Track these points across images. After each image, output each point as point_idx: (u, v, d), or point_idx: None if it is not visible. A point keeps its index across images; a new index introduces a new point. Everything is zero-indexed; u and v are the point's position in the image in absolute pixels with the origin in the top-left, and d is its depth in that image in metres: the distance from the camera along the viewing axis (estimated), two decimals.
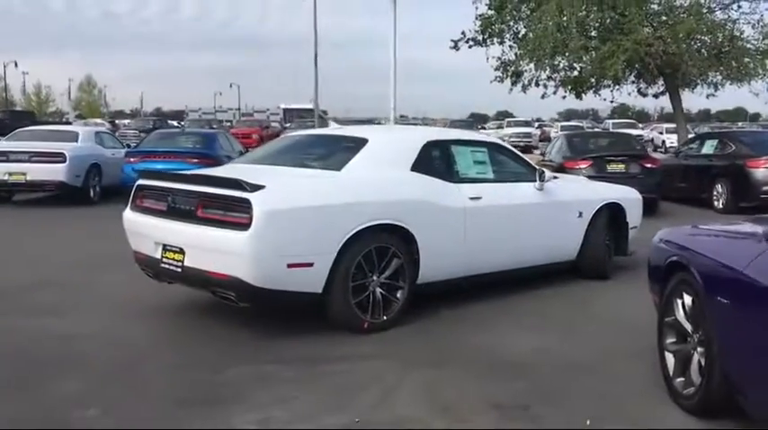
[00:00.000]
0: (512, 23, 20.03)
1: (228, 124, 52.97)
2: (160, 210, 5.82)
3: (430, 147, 6.34)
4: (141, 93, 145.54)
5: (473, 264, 6.39)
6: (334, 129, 8.78)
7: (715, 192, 13.94)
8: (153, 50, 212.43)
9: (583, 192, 7.50)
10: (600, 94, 19.61)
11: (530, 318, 6.16)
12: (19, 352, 5.19)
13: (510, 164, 7.00)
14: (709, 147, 14.81)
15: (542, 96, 19.95)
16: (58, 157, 13.77)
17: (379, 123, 44.15)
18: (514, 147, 30.25)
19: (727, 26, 17.90)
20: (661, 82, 19.40)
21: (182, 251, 5.50)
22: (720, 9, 18.95)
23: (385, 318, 5.69)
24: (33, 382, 4.57)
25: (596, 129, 37.58)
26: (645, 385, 4.54)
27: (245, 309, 5.75)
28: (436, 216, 6.00)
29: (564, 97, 19.62)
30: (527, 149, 33.85)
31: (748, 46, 18.16)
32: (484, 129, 44.85)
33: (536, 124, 47.82)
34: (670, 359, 4.32)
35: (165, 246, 5.68)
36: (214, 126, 39.49)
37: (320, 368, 4.88)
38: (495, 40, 20.34)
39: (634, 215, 7.92)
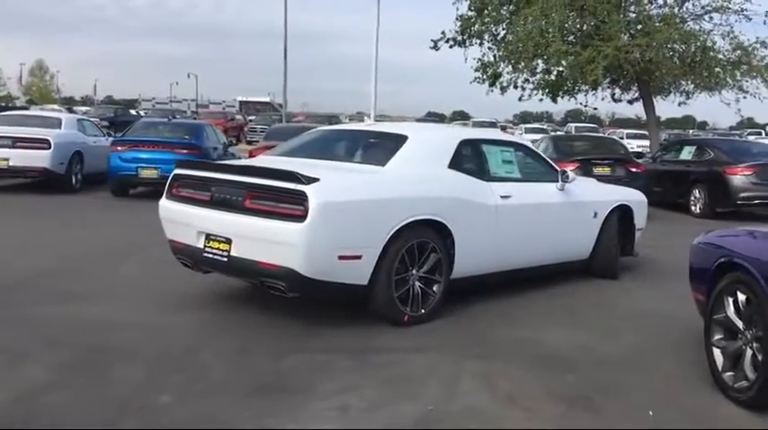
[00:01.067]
0: (491, 26, 20.30)
1: (192, 115, 52.17)
2: (202, 200, 5.85)
3: (464, 145, 6.50)
4: (95, 80, 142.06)
5: (502, 261, 6.58)
6: (370, 125, 8.86)
7: (692, 197, 14.42)
8: (105, 37, 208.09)
9: (597, 193, 7.75)
10: (576, 98, 20.07)
11: (556, 315, 6.36)
12: (69, 339, 5.17)
13: (533, 164, 7.21)
14: (687, 154, 15.31)
15: (520, 98, 20.32)
16: (42, 144, 13.52)
17: (338, 120, 44.41)
18: None
19: (701, 37, 18.47)
20: (635, 88, 19.96)
21: (228, 241, 5.55)
22: (692, 20, 19.53)
23: (423, 311, 5.83)
24: (97, 370, 4.59)
25: (559, 133, 38.21)
26: (689, 378, 4.78)
27: (271, 299, 5.88)
28: (471, 213, 6.16)
29: (541, 100, 20.02)
30: None
31: (719, 56, 18.76)
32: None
33: (499, 126, 48.45)
34: (718, 354, 4.56)
35: (208, 235, 5.72)
36: (177, 116, 39.02)
37: (373, 358, 5.00)
38: (475, 41, 20.58)
39: (640, 217, 8.22)
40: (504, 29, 20.32)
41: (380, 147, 6.37)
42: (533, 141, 14.53)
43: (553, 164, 7.41)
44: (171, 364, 4.76)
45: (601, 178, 12.56)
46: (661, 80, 18.53)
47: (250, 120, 46.90)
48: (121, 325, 5.57)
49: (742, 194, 13.52)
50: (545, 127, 46.56)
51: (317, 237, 5.16)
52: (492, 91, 20.92)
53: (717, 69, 18.79)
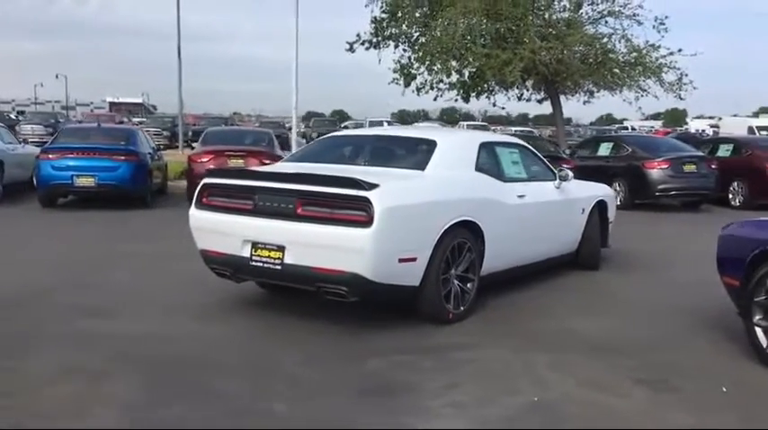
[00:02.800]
0: (406, 28, 20.75)
1: (78, 118, 49.50)
2: (244, 209, 5.83)
3: (483, 148, 6.79)
4: None
5: (519, 257, 6.94)
6: (392, 131, 8.93)
7: (613, 191, 15.41)
8: None
9: (583, 191, 8.25)
10: (489, 98, 20.89)
11: (572, 306, 6.77)
12: (133, 353, 5.06)
13: (534, 163, 7.60)
14: (604, 149, 16.32)
15: (435, 99, 20.91)
16: None
17: (226, 121, 43.53)
18: None
19: (603, 40, 19.72)
20: (542, 88, 21.00)
21: (281, 249, 5.58)
22: (590, 23, 20.77)
23: (462, 308, 6.08)
24: (192, 383, 4.55)
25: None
26: (733, 355, 5.30)
27: (295, 305, 6.14)
28: (498, 213, 6.47)
29: (455, 100, 20.69)
30: None
31: (618, 58, 20.07)
32: (345, 129, 45.34)
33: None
34: (760, 333, 5.09)
35: (255, 244, 5.71)
36: (61, 121, 37.16)
37: (447, 356, 5.20)
38: (391, 43, 20.99)
39: (612, 211, 8.81)
40: (417, 31, 20.81)
41: (413, 152, 6.56)
42: None
43: (548, 163, 7.84)
44: (260, 373, 4.77)
45: None
46: (570, 81, 19.61)
47: (138, 123, 45.14)
48: (170, 336, 5.52)
49: (660, 186, 14.60)
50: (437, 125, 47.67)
51: (382, 242, 5.30)
52: (404, 92, 21.37)
53: (615, 70, 20.08)
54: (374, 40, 21.17)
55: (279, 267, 5.60)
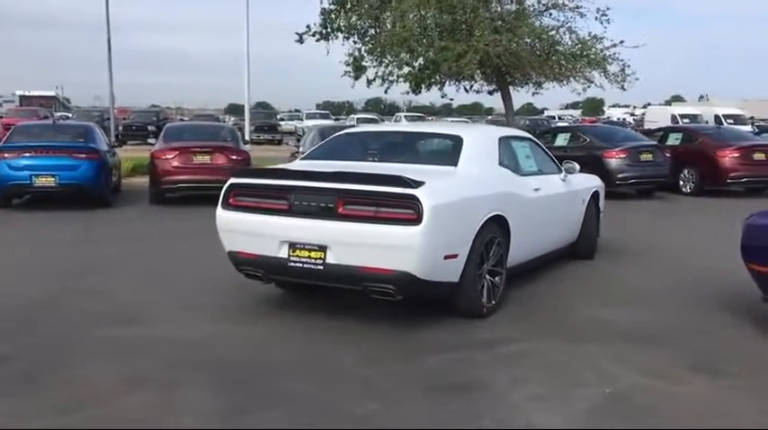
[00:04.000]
0: (356, 20, 20.61)
1: None
2: (279, 209, 5.72)
3: (502, 142, 6.86)
4: None
5: (535, 250, 7.05)
6: (415, 127, 8.82)
7: None
8: None
9: (582, 182, 8.43)
10: (441, 90, 21.00)
11: (592, 295, 6.92)
12: (185, 359, 4.92)
13: (542, 156, 7.71)
14: (562, 140, 16.67)
15: (386, 91, 20.85)
16: None
17: (158, 114, 42.33)
18: None
19: (552, 32, 20.08)
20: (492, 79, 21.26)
21: (322, 248, 5.50)
22: (535, 16, 21.12)
23: (493, 302, 6.14)
24: (264, 386, 4.46)
25: (387, 123, 39.41)
26: (764, 338, 5.54)
27: (307, 303, 6.21)
28: (520, 206, 6.55)
29: (407, 92, 20.71)
30: None
31: (566, 50, 20.46)
32: (282, 121, 44.87)
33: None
34: None
35: (293, 244, 5.61)
36: None
37: (498, 351, 5.24)
38: (339, 35, 20.82)
39: (602, 201, 9.05)
40: (367, 23, 20.70)
41: (440, 149, 6.58)
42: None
43: (552, 156, 7.98)
44: (326, 375, 4.72)
45: None
46: (521, 72, 19.91)
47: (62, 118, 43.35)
48: (210, 340, 5.42)
49: (620, 175, 15.02)
50: (375, 117, 47.77)
51: (430, 240, 5.29)
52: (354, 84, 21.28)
53: (562, 62, 20.47)
54: (323, 31, 20.96)
55: (321, 267, 5.52)
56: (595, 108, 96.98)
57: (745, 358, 5.17)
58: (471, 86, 21.54)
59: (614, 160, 15.16)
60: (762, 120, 51.12)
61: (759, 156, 15.90)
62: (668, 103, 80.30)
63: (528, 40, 20.04)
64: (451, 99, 22.34)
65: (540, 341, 5.47)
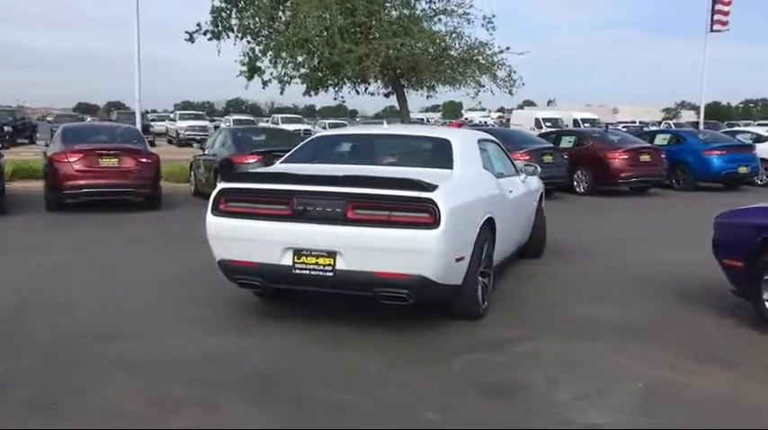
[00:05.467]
0: (249, 18, 20.16)
1: None
2: (280, 214, 5.50)
3: (480, 144, 6.94)
4: None
5: (508, 249, 7.19)
6: (401, 130, 8.58)
7: None
8: None
9: (534, 182, 8.68)
10: (339, 92, 20.91)
11: (565, 293, 7.11)
12: (212, 374, 4.65)
13: (505, 158, 7.87)
14: None
15: (281, 92, 20.52)
16: None
17: (13, 113, 39.41)
18: (190, 140, 28.99)
19: (446, 37, 20.53)
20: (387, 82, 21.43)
21: (332, 255, 5.35)
22: (426, 21, 21.54)
23: (485, 303, 6.21)
24: (308, 402, 4.30)
25: (263, 124, 38.90)
26: (742, 326, 5.92)
27: (305, 311, 6.09)
28: (502, 208, 6.67)
29: (310, 95, 20.46)
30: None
31: (455, 54, 21.01)
32: (154, 122, 42.96)
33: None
34: None
35: (299, 251, 5.42)
36: None
37: (512, 350, 5.32)
38: (232, 34, 20.31)
39: (543, 201, 9.37)
40: (260, 22, 20.31)
41: (431, 152, 6.55)
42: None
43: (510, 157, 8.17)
44: (362, 383, 4.61)
45: None
46: (417, 76, 20.20)
47: None
48: (218, 354, 5.16)
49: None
50: (251, 118, 46.73)
51: (447, 243, 5.28)
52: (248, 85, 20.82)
53: (455, 66, 21.00)
54: (215, 30, 20.35)
55: (330, 274, 5.37)
56: (454, 111, 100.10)
57: (739, 347, 5.51)
58: (366, 89, 21.63)
59: (519, 163, 15.65)
60: (610, 123, 54.87)
61: (645, 157, 17.05)
62: (521, 107, 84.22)
63: (420, 45, 20.39)
64: (344, 101, 22.26)
65: (546, 340, 5.58)
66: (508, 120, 66.69)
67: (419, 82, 21.00)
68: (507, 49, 21.45)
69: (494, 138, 7.98)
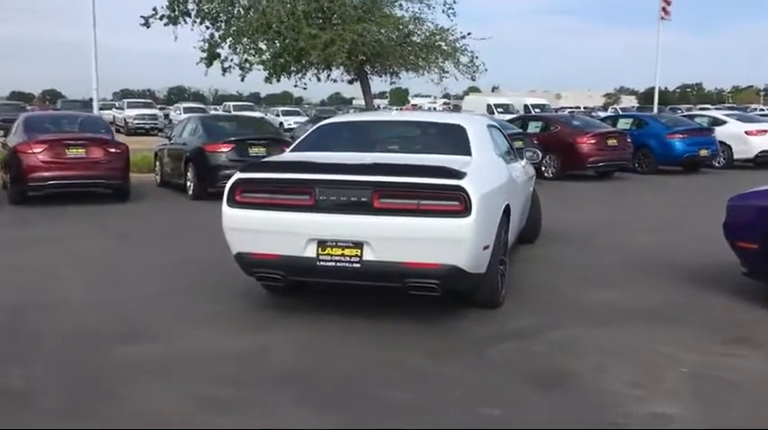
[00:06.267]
0: (206, 3, 19.63)
1: None
2: (302, 205, 5.29)
3: (489, 130, 6.83)
4: None
5: (515, 236, 7.10)
6: (412, 116, 8.33)
7: None
8: None
9: (530, 168, 8.62)
10: (302, 79, 20.53)
11: (569, 277, 7.07)
12: (245, 379, 4.44)
13: (508, 144, 7.77)
14: None
15: (242, 79, 20.07)
16: None
17: None
18: (139, 130, 28.55)
19: (409, 23, 20.33)
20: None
21: (358, 245, 5.18)
22: (387, 7, 21.32)
23: (504, 291, 6.12)
24: (368, 400, 4.16)
25: (230, 113, 38.16)
26: (757, 307, 5.98)
27: (316, 303, 5.93)
28: (514, 193, 6.59)
29: (268, 80, 20.02)
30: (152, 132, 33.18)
31: (418, 40, 20.85)
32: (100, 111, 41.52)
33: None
34: None
35: (323, 242, 5.23)
36: None
37: (546, 338, 5.26)
38: (189, 19, 19.76)
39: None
40: (220, 6, 19.81)
41: (448, 138, 6.39)
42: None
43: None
44: (407, 378, 4.47)
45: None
46: (381, 62, 19.98)
47: None
48: (247, 352, 4.95)
49: None
50: (201, 106, 45.75)
51: (477, 231, 5.16)
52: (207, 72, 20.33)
53: (418, 52, 20.84)
54: (171, 14, 19.77)
55: (357, 265, 5.19)
56: (401, 98, 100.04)
57: (761, 328, 5.55)
58: (329, 76, 21.32)
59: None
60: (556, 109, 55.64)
61: (612, 141, 17.24)
62: (466, 93, 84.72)
63: (384, 31, 20.18)
64: (305, 88, 21.90)
65: (574, 327, 5.51)
66: (455, 106, 67.19)
67: (383, 68, 20.79)
68: (469, 34, 21.36)
69: (496, 124, 7.88)
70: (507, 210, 6.14)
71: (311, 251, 5.26)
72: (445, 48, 21.08)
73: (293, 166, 5.61)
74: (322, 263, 5.25)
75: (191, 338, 5.22)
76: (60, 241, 9.00)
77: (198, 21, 19.80)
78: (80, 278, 7.02)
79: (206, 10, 19.76)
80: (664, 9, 27.20)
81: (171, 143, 15.06)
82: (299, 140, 6.70)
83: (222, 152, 12.85)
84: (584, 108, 63.67)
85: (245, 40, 19.46)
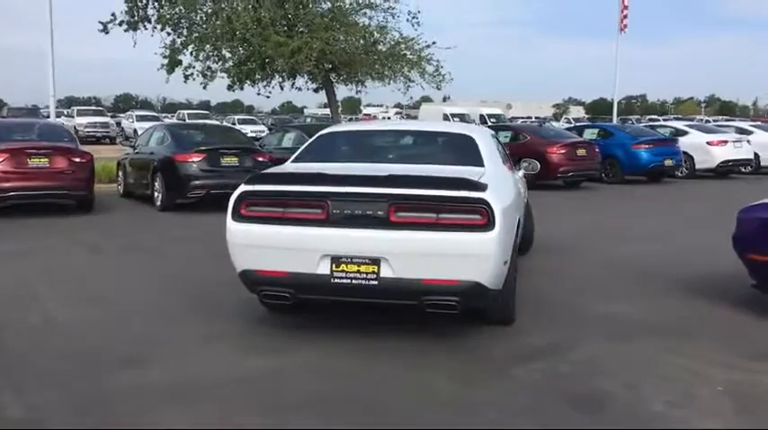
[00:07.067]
0: (167, 8, 19.17)
1: None
2: (313, 219, 5.00)
3: (492, 139, 6.64)
4: None
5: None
6: (419, 126, 8.01)
7: None
8: None
9: (522, 177, 8.46)
10: (266, 87, 20.16)
11: (568, 290, 6.94)
12: (269, 405, 4.13)
13: (506, 154, 7.59)
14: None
15: (204, 86, 19.63)
16: None
17: None
18: (90, 138, 28.16)
19: (374, 32, 20.16)
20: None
21: (375, 262, 4.91)
22: (351, 15, 21.12)
23: (514, 307, 5.91)
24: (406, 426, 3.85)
25: (175, 120, 37.36)
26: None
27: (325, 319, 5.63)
28: (519, 205, 6.40)
29: (231, 89, 19.59)
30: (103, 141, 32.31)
31: (383, 49, 20.69)
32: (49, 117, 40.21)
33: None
34: None
35: (337, 258, 4.95)
36: None
37: (569, 358, 5.05)
38: (149, 25, 19.28)
39: None
40: (180, 12, 19.37)
41: (457, 148, 6.18)
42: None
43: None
44: (449, 402, 4.25)
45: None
46: (348, 70, 19.74)
47: None
48: (262, 377, 4.63)
49: None
50: (156, 114, 44.70)
51: (500, 245, 4.95)
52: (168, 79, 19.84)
53: (384, 61, 20.71)
54: (131, 20, 19.25)
55: (375, 283, 4.92)
56: (352, 107, 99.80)
57: None
58: (293, 84, 21.01)
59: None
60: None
61: (581, 151, 17.31)
62: (418, 103, 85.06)
63: (352, 39, 19.98)
64: (268, 97, 21.49)
65: (592, 344, 5.34)
66: (407, 116, 67.31)
67: (349, 77, 20.56)
68: (434, 43, 21.35)
69: (493, 133, 7.71)
70: (519, 223, 5.97)
71: (324, 268, 4.97)
72: (411, 57, 20.99)
73: (303, 178, 5.32)
74: (336, 280, 4.96)
75: (196, 361, 4.89)
76: (30, 256, 8.51)
77: (159, 27, 19.34)
78: (60, 296, 6.60)
79: (167, 16, 19.33)
80: (622, 21, 27.61)
81: (136, 152, 14.53)
82: (301, 150, 6.39)
83: (193, 162, 12.43)
84: (536, 118, 64.57)
85: (208, 46, 19.11)
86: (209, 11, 18.80)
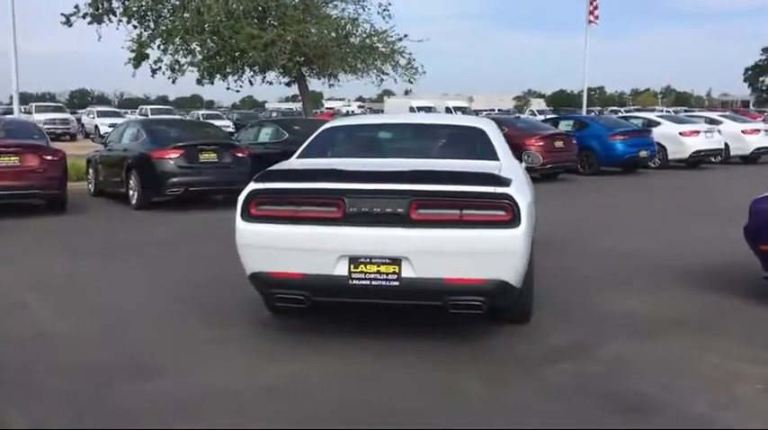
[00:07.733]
0: (132, 1, 18.61)
1: None
2: (329, 217, 4.75)
3: (501, 132, 6.43)
4: None
5: None
6: (428, 119, 7.68)
7: None
8: None
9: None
10: (237, 81, 19.68)
11: (576, 286, 6.78)
12: (301, 415, 3.88)
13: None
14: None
15: (173, 81, 19.10)
16: None
17: None
18: (50, 135, 27.76)
19: (348, 26, 19.85)
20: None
21: (396, 262, 4.68)
22: (323, 7, 20.78)
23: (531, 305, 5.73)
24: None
25: (137, 116, 36.49)
26: None
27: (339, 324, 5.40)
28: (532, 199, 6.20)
29: (200, 82, 19.06)
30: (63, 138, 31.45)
31: (355, 41, 20.39)
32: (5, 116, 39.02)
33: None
34: None
35: (356, 259, 4.71)
36: None
37: (597, 356, 4.90)
38: (114, 18, 18.71)
39: None
40: (147, 5, 18.82)
41: (471, 142, 5.96)
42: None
43: None
44: (486, 408, 4.04)
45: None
46: (320, 64, 19.39)
47: None
48: (287, 386, 4.35)
49: None
50: (117, 110, 43.62)
51: (526, 242, 4.77)
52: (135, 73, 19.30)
53: (356, 53, 20.41)
54: (95, 12, 18.65)
55: (396, 283, 4.69)
56: (315, 101, 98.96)
57: None
58: (264, 78, 20.58)
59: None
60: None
61: (559, 143, 17.26)
62: (380, 97, 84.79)
63: (315, 31, 19.65)
64: (238, 91, 20.98)
65: (618, 342, 5.17)
66: (370, 109, 67.06)
67: (322, 70, 20.22)
68: (405, 36, 21.13)
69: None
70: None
71: (342, 269, 4.72)
72: (383, 50, 20.74)
73: (316, 175, 5.04)
74: (355, 281, 4.72)
75: (206, 370, 4.60)
76: (8, 261, 8.07)
77: (125, 20, 18.78)
78: (48, 303, 6.24)
79: (133, 8, 18.77)
80: (592, 13, 27.67)
81: (108, 149, 14.03)
82: (307, 144, 6.10)
83: (170, 158, 12.02)
84: (499, 110, 64.79)
85: (177, 40, 18.60)
86: (177, 3, 18.28)
